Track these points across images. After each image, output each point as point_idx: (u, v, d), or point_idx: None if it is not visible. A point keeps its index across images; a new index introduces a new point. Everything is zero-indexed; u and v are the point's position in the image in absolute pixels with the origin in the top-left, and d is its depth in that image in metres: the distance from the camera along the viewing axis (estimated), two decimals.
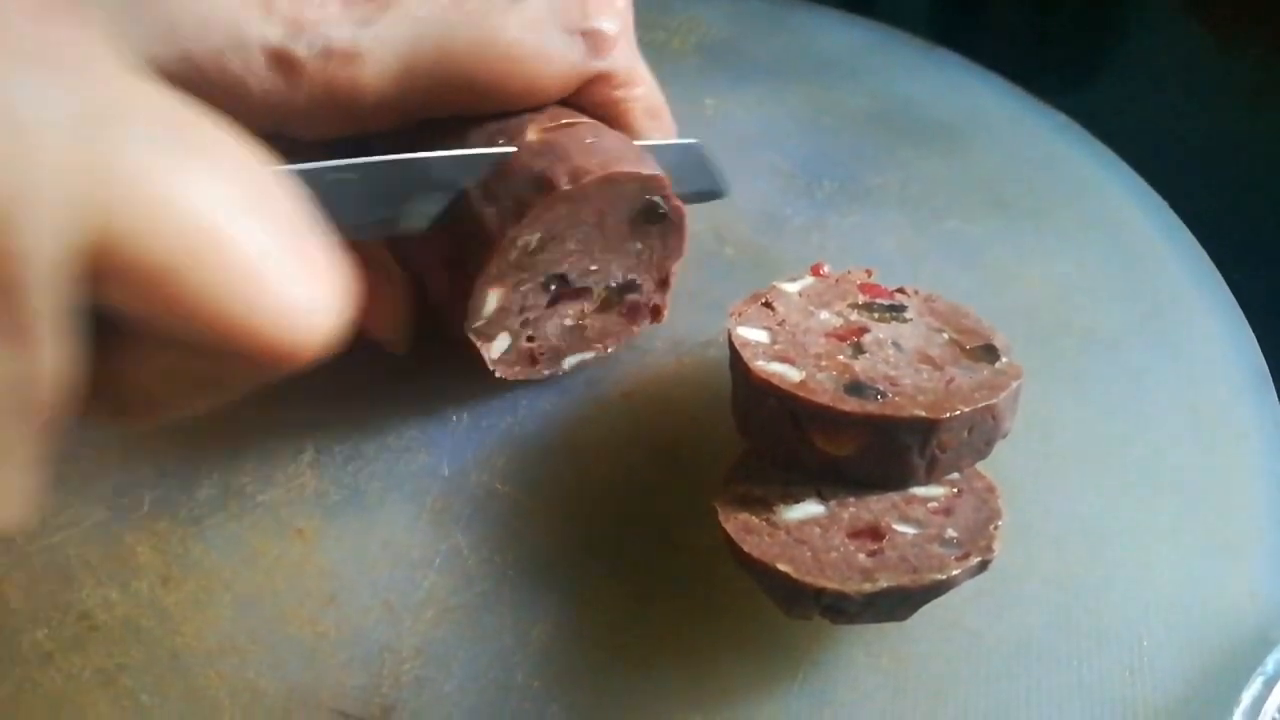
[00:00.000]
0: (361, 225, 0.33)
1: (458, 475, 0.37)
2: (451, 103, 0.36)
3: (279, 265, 0.22)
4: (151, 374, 0.24)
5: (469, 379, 0.39)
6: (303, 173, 0.30)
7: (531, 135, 0.35)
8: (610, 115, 0.38)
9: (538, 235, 0.34)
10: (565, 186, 0.33)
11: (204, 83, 0.33)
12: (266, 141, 0.25)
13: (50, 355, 0.20)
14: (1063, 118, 0.52)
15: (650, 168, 0.35)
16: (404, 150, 0.34)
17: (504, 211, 0.34)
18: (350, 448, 0.38)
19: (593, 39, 0.36)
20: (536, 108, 0.36)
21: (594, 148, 0.34)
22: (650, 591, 0.34)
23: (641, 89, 0.39)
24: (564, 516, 0.36)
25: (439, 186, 0.34)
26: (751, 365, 0.31)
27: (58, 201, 0.19)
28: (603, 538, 0.35)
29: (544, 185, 0.33)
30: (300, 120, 0.34)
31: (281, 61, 0.33)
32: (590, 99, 0.37)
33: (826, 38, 0.58)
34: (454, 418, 0.39)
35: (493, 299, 0.35)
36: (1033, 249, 0.45)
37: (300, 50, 0.33)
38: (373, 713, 0.31)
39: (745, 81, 0.54)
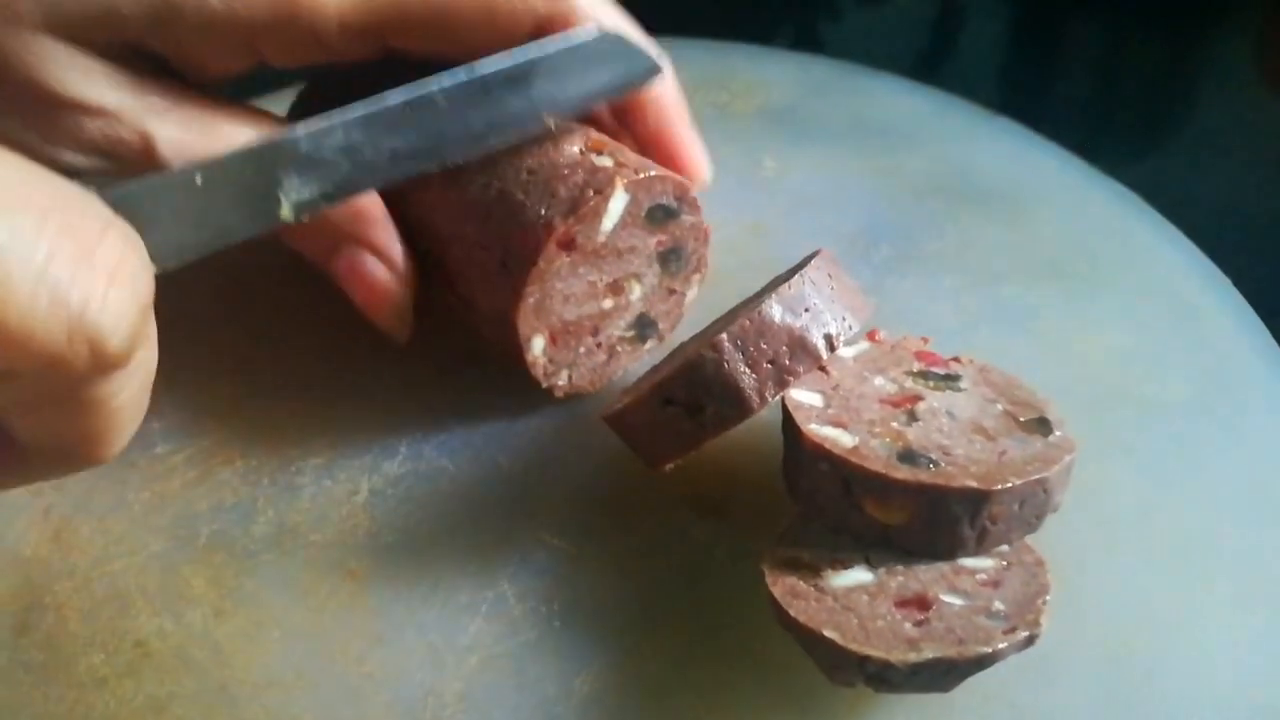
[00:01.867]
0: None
1: (506, 525, 0.37)
2: (415, 27, 0.36)
3: (45, 263, 0.22)
4: None
5: (521, 420, 0.40)
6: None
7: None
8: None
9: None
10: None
11: (172, 9, 0.34)
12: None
13: None
14: (1123, 188, 0.52)
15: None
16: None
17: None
18: (403, 491, 0.39)
19: None
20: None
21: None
22: (695, 649, 0.34)
23: (607, 21, 0.38)
24: (611, 571, 0.36)
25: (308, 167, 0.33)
26: (804, 429, 0.32)
27: None
28: (648, 593, 0.35)
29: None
30: (269, 40, 0.36)
31: None
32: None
33: (889, 104, 0.59)
34: (505, 466, 0.39)
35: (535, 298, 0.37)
36: (1089, 318, 0.45)
37: None
38: None
39: (805, 144, 0.55)
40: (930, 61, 0.77)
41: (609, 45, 0.37)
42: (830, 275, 0.34)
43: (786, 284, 0.32)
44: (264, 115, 0.39)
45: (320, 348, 0.44)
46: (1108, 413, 0.40)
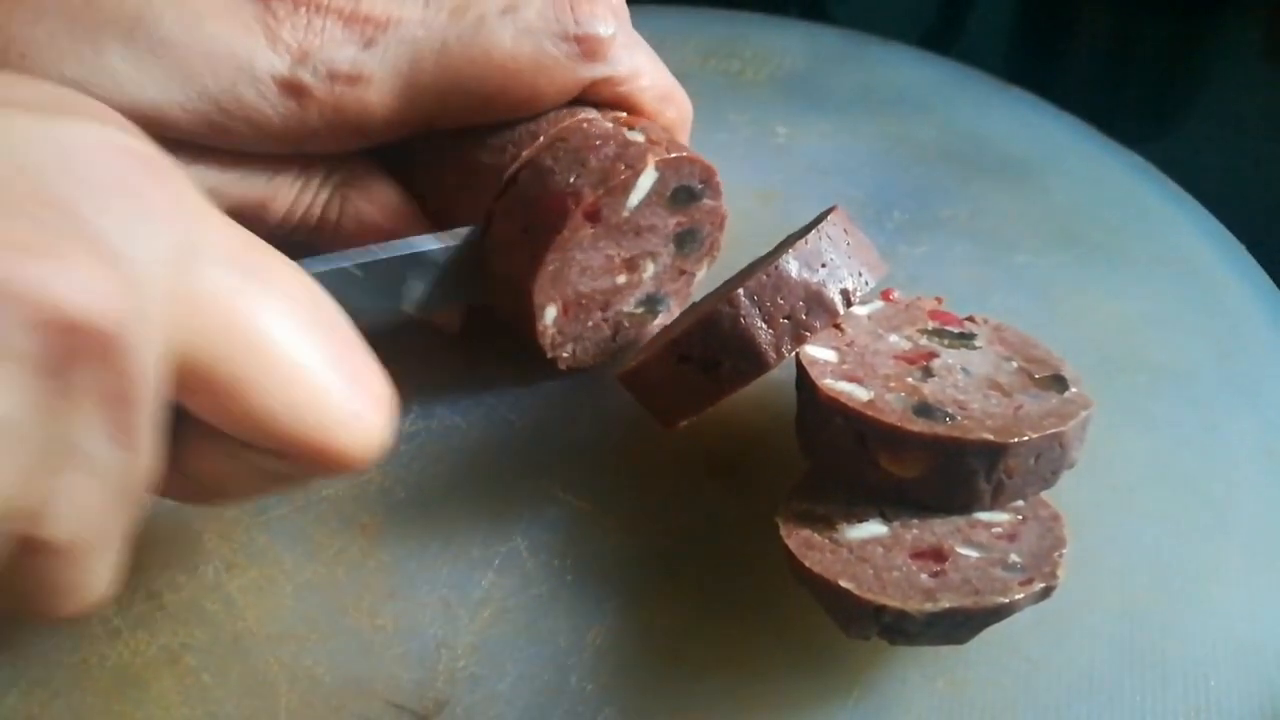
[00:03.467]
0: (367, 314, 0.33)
1: (518, 480, 0.37)
2: (459, 115, 0.37)
3: (334, 383, 0.25)
4: (222, 466, 0.27)
5: (532, 385, 0.40)
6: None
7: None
8: (623, 109, 0.39)
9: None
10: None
11: (226, 116, 0.35)
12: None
13: (149, 454, 0.23)
14: (1138, 158, 0.51)
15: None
16: (419, 163, 0.38)
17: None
18: (415, 448, 0.39)
19: (587, 44, 0.37)
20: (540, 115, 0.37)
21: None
22: (707, 604, 0.34)
23: (646, 79, 0.39)
24: (623, 527, 0.36)
25: (431, 268, 0.37)
26: (819, 383, 0.32)
27: (160, 326, 0.22)
28: (661, 549, 0.35)
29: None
30: (318, 140, 0.36)
31: (292, 88, 0.35)
32: (598, 98, 0.38)
33: (901, 73, 0.59)
34: (517, 424, 0.39)
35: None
36: (1104, 285, 0.44)
37: (307, 77, 0.35)
38: (426, 707, 0.32)
39: (818, 112, 0.55)
40: (938, 39, 0.76)
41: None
42: (846, 231, 0.34)
43: (803, 239, 0.32)
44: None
45: None
46: (1122, 378, 0.40)
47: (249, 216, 0.38)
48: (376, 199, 0.39)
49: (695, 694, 0.32)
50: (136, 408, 0.22)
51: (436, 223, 0.39)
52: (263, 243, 0.25)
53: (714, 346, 0.32)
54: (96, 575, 0.23)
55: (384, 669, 0.33)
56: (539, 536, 0.36)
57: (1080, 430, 0.31)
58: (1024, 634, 0.31)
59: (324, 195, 0.39)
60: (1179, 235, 0.47)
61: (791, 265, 0.32)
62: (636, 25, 0.39)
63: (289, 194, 0.38)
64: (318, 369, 0.25)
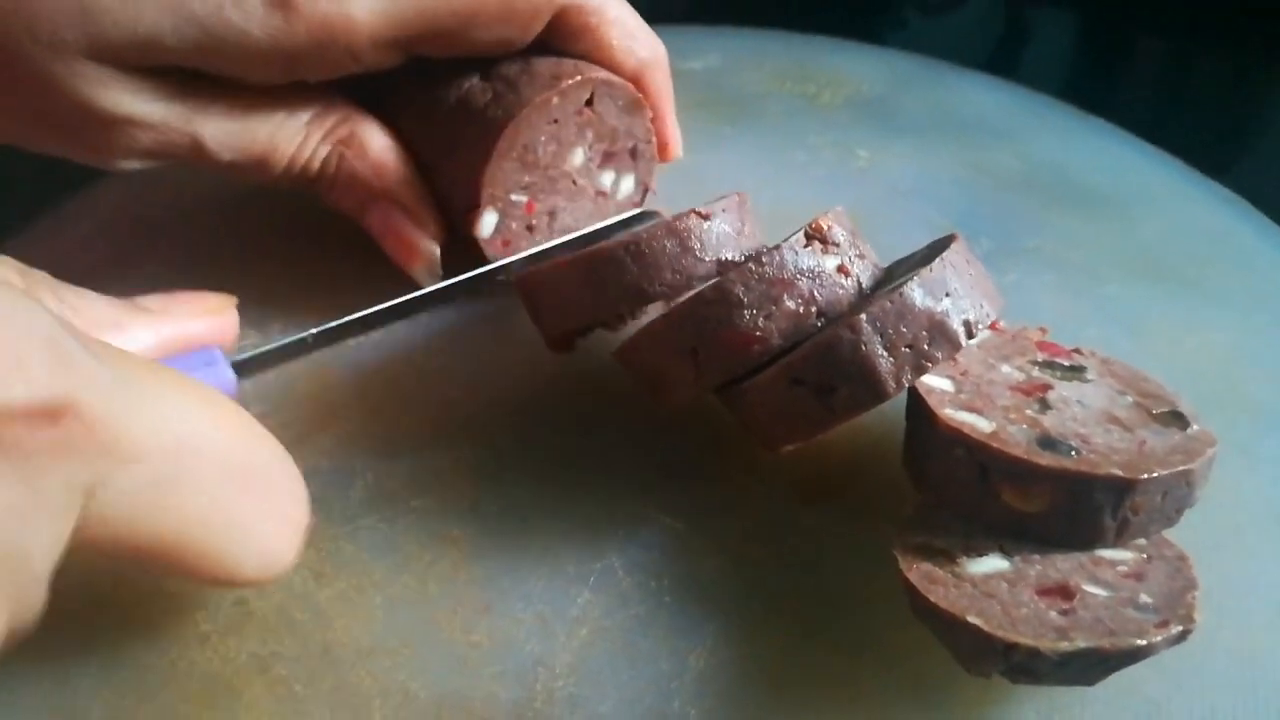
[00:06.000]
0: None
1: (611, 497, 0.37)
2: (441, 35, 0.39)
3: (244, 541, 0.27)
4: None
5: (626, 404, 0.39)
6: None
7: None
8: (589, 42, 0.42)
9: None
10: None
11: (215, 40, 0.37)
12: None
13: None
14: (1226, 190, 0.51)
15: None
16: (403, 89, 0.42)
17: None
18: (505, 463, 0.38)
19: None
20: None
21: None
22: (810, 633, 0.33)
23: (613, 13, 0.42)
24: (720, 551, 0.35)
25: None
26: (939, 413, 0.31)
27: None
28: (760, 574, 0.35)
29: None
30: (308, 62, 0.38)
31: (276, 3, 0.36)
32: (568, 28, 0.41)
33: (976, 99, 0.58)
34: (607, 437, 0.39)
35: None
36: (1197, 319, 0.44)
37: None
38: None
39: (896, 136, 0.54)
40: (997, 67, 0.76)
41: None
42: (967, 261, 0.33)
43: (928, 267, 0.32)
44: (306, 98, 0.41)
45: (417, 322, 0.44)
46: (1223, 412, 0.39)
47: (251, 169, 0.41)
48: (372, 151, 0.42)
49: None
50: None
51: (426, 176, 0.42)
52: (147, 362, 0.26)
53: (831, 372, 0.31)
54: None
55: (481, 686, 0.32)
56: (634, 555, 0.35)
57: (1206, 468, 0.31)
58: (1144, 674, 0.30)
59: (323, 150, 0.41)
60: (1271, 269, 0.46)
61: (916, 293, 0.31)
62: (708, 48, 0.40)
63: (288, 147, 0.41)
64: (229, 534, 0.27)
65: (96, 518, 0.23)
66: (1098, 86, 0.77)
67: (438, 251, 0.42)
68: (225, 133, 0.40)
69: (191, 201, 0.50)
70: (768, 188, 0.49)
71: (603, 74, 0.41)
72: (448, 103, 0.41)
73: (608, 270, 0.34)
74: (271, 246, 0.47)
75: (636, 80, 0.43)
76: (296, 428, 0.39)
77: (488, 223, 0.42)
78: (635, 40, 0.43)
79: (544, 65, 0.41)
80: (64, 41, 0.36)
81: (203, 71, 0.38)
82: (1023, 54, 0.81)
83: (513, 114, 0.40)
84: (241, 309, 0.39)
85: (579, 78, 0.40)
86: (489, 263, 0.42)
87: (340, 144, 0.42)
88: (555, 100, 0.40)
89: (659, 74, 0.44)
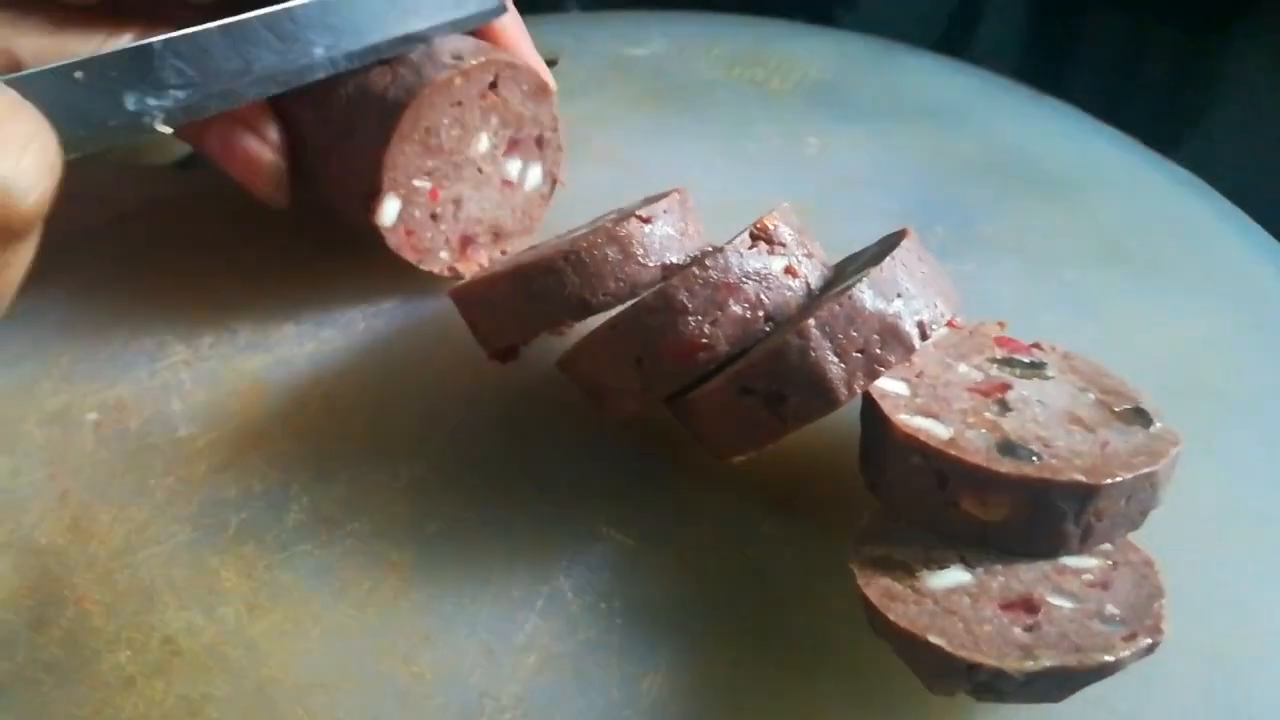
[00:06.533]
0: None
1: (558, 514, 0.35)
2: None
3: None
4: None
5: (575, 414, 0.38)
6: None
7: None
8: None
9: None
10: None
11: None
12: None
13: None
14: (1182, 170, 0.50)
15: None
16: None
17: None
18: (446, 480, 0.36)
19: None
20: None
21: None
22: (768, 650, 0.32)
23: None
24: (674, 567, 0.34)
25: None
26: (894, 419, 0.30)
27: None
28: (715, 589, 0.33)
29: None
30: None
31: None
32: None
33: (929, 81, 0.57)
34: (555, 452, 0.37)
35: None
36: (1157, 303, 0.43)
37: None
38: None
39: (848, 122, 0.53)
40: (949, 46, 0.75)
41: None
42: (919, 258, 0.32)
43: (878, 266, 0.30)
44: (127, 23, 0.38)
45: (352, 330, 0.42)
46: (1187, 403, 0.38)
47: None
48: None
49: None
50: None
51: (324, 162, 0.41)
52: None
53: (780, 380, 0.30)
54: None
55: None
56: (583, 576, 0.34)
57: (1170, 469, 0.30)
58: (1110, 684, 0.29)
59: None
60: (1230, 252, 0.46)
61: (866, 295, 0.30)
62: (656, 31, 0.38)
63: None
64: None
65: None
66: (1050, 62, 0.76)
67: (284, 166, 0.40)
68: (42, 48, 0.37)
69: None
70: (715, 180, 0.47)
71: (506, 57, 0.40)
72: (346, 86, 0.39)
73: (548, 282, 0.33)
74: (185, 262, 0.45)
75: (490, 34, 0.42)
76: (226, 449, 0.37)
77: (389, 210, 0.40)
78: None
79: (446, 45, 0.40)
80: None
81: None
82: (977, 30, 0.80)
83: (414, 94, 0.38)
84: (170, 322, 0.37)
85: (483, 59, 0.39)
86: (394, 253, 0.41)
87: None
88: (458, 81, 0.39)
89: (506, 16, 0.43)
